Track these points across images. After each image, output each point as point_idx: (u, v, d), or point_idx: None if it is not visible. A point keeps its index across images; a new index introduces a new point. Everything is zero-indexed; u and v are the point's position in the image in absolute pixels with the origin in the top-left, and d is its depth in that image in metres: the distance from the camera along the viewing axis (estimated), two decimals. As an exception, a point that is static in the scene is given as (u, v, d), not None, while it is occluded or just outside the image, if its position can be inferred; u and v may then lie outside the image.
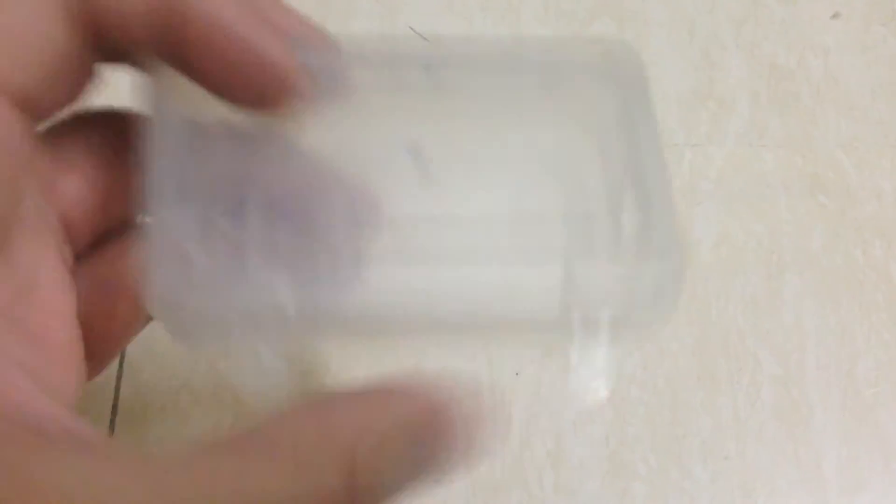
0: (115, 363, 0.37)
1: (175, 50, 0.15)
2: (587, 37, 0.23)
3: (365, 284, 0.18)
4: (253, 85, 0.15)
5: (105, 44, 0.15)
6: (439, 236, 0.19)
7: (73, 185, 0.17)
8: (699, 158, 0.43)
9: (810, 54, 0.46)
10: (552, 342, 0.23)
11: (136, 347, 0.38)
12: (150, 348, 0.38)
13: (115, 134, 0.18)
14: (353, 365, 0.35)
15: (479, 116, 0.22)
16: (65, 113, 0.17)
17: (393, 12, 0.44)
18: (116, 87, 0.18)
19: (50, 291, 0.16)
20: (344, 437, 0.13)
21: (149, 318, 0.20)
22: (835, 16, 0.47)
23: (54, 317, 0.16)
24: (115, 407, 0.36)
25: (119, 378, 0.37)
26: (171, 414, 0.37)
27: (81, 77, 0.16)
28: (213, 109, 0.17)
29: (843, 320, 0.40)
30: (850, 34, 0.47)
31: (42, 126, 0.17)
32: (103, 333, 0.18)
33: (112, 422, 0.36)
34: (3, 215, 0.14)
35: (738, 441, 0.37)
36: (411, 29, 0.36)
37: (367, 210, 0.18)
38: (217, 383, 0.37)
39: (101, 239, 0.19)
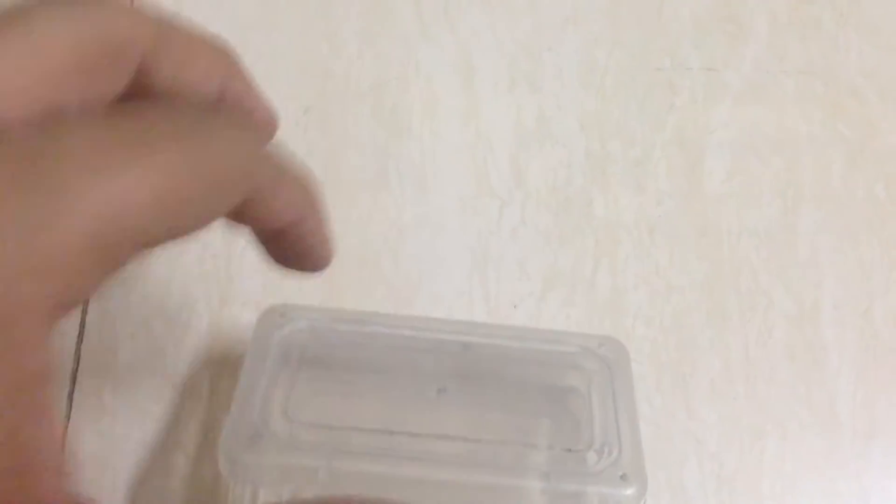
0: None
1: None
2: (588, 334, 0.33)
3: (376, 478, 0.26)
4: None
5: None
6: (441, 445, 0.28)
7: None
8: (714, 84, 0.40)
9: (834, -24, 0.43)
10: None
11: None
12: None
13: None
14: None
15: (497, 371, 0.31)
16: None
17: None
18: None
19: None
20: None
21: None
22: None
23: None
24: (80, 335, 0.34)
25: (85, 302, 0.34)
26: (142, 342, 0.34)
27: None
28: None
29: (862, 257, 0.38)
30: (877, -44, 0.44)
31: None
32: None
33: (78, 349, 0.33)
34: None
35: (748, 382, 0.35)
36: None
37: None
38: (191, 311, 0.35)
39: None
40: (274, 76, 0.40)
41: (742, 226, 0.38)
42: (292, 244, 0.19)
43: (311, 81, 0.40)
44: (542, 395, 0.31)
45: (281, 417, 0.27)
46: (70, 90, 0.15)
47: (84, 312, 0.34)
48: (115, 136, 0.14)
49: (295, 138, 0.39)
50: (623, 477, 0.27)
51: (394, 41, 0.41)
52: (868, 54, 0.41)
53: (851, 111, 0.40)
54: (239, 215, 0.17)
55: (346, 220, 0.37)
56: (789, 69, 0.41)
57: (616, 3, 0.42)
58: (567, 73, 0.41)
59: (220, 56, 0.19)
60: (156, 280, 0.35)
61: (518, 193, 0.38)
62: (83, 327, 0.34)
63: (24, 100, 0.14)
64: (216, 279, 0.35)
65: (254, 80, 0.20)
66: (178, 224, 0.15)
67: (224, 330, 0.34)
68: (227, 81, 0.19)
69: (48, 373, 0.13)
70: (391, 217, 0.37)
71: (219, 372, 0.34)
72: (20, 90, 0.14)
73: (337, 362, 0.31)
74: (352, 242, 0.36)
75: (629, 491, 0.27)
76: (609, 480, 0.27)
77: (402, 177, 0.38)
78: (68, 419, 0.32)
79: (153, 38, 0.17)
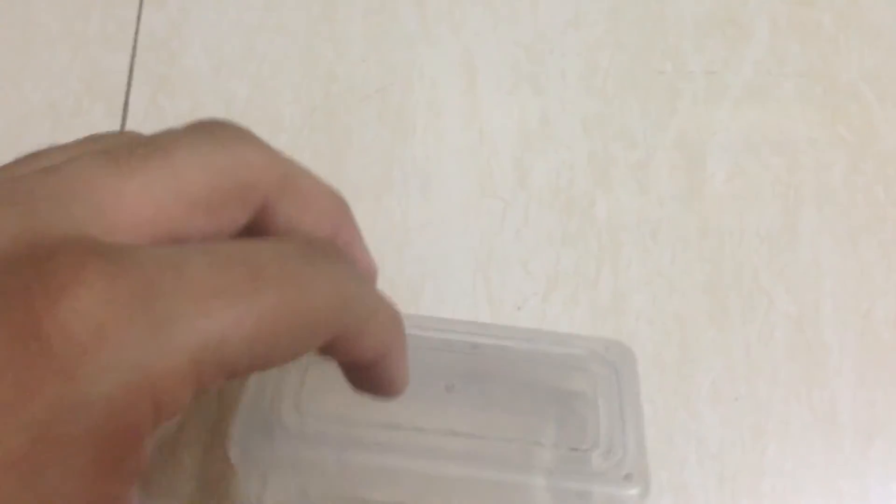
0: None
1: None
2: (596, 337, 0.33)
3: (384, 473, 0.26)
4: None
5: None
6: (448, 441, 0.28)
7: None
8: (715, 86, 0.41)
9: (835, -21, 0.43)
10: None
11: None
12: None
13: None
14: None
15: (504, 371, 0.32)
16: None
17: None
18: None
19: None
20: None
21: None
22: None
23: None
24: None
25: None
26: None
27: None
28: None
29: (862, 258, 0.38)
30: (878, -41, 0.44)
31: None
32: None
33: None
34: None
35: (749, 382, 0.36)
36: None
37: None
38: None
39: None
40: (279, 79, 0.40)
41: (743, 227, 0.38)
42: (373, 376, 0.20)
43: (316, 84, 0.40)
44: (549, 396, 0.32)
45: (293, 410, 0.27)
46: (198, 222, 0.16)
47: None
48: (228, 275, 0.15)
49: (300, 140, 0.39)
50: (627, 477, 0.27)
51: (398, 44, 0.41)
52: (868, 57, 0.42)
53: (852, 114, 0.41)
54: (326, 349, 0.18)
55: (350, 222, 0.38)
56: (790, 72, 0.41)
57: (618, 6, 0.42)
58: (570, 76, 0.41)
59: (336, 204, 0.20)
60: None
61: (521, 195, 0.38)
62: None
63: (155, 228, 0.15)
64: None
65: (361, 233, 0.21)
66: (269, 358, 0.16)
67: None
68: (338, 229, 0.20)
69: (137, 481, 0.14)
70: (395, 218, 0.38)
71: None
72: (153, 218, 0.15)
73: None
74: (356, 243, 0.37)
75: (633, 491, 0.27)
76: (613, 480, 0.27)
77: (406, 178, 0.39)
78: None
79: (279, 180, 0.17)
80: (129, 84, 0.39)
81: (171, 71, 0.40)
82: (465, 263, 0.37)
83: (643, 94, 0.41)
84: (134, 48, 0.40)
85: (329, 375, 0.21)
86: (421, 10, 0.42)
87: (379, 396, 0.21)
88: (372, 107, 0.40)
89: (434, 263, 0.37)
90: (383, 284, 0.36)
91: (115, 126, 0.39)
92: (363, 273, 0.21)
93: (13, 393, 0.12)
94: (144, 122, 0.39)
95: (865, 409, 0.35)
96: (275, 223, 0.18)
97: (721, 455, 0.34)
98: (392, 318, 0.19)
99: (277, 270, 0.15)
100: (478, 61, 0.41)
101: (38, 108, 0.39)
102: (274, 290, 0.15)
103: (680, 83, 0.41)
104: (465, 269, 0.37)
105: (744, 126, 0.40)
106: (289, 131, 0.39)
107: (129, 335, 0.13)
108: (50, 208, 0.14)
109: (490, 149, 0.39)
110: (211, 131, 0.17)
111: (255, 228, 0.18)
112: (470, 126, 0.40)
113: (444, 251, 0.37)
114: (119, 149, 0.15)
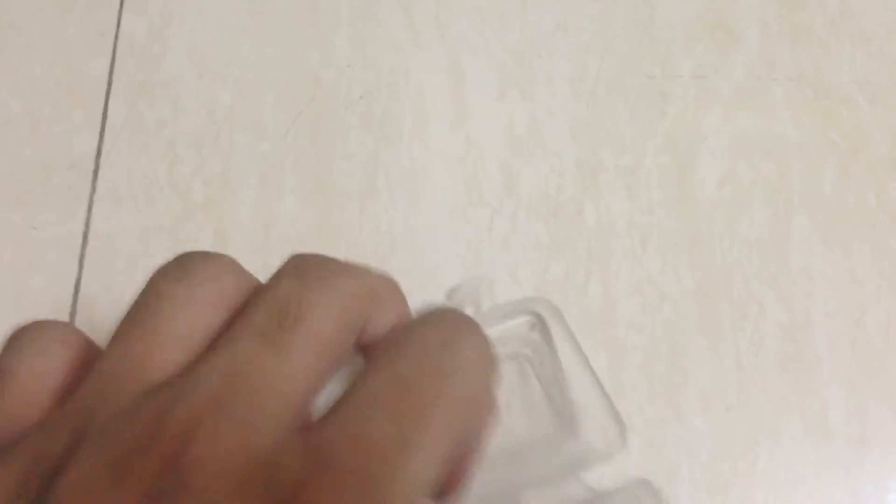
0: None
1: None
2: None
3: None
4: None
5: None
6: None
7: None
8: (705, 91, 0.40)
9: (825, -17, 0.43)
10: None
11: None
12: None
13: None
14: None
15: None
16: None
17: None
18: None
19: None
20: None
21: None
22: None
23: None
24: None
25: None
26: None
27: None
28: None
29: (854, 266, 0.37)
30: (868, -38, 0.44)
31: None
32: None
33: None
34: None
35: (740, 391, 0.35)
36: None
37: None
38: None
39: None
40: (263, 84, 0.40)
41: (734, 234, 0.38)
42: None
43: (301, 89, 0.40)
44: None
45: None
46: (334, 366, 0.17)
47: (72, 314, 0.34)
48: (403, 424, 0.15)
49: (284, 146, 0.39)
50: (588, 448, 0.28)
51: (384, 49, 0.41)
52: (859, 61, 0.41)
53: (843, 118, 0.40)
54: None
55: (335, 229, 0.37)
56: (780, 76, 0.41)
57: (607, 11, 0.42)
58: (558, 81, 0.40)
59: (399, 296, 0.21)
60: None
61: (509, 202, 0.38)
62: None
63: (317, 390, 0.17)
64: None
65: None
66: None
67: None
68: (404, 312, 0.21)
69: None
70: (381, 226, 0.37)
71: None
72: (314, 385, 0.17)
73: None
74: (341, 251, 0.36)
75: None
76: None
77: (391, 185, 0.38)
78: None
79: (370, 305, 0.19)
80: (108, 90, 0.39)
81: (152, 77, 0.39)
82: (452, 271, 0.36)
83: (632, 98, 0.40)
84: (113, 53, 0.39)
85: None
86: (407, 14, 0.41)
87: None
88: (357, 113, 0.39)
89: (420, 271, 0.36)
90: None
91: (93, 134, 0.38)
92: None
93: None
94: (124, 129, 0.38)
95: (857, 418, 0.35)
96: (370, 331, 0.19)
97: (712, 465, 0.34)
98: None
99: (433, 383, 0.16)
100: (465, 66, 0.40)
101: (16, 114, 0.38)
102: (439, 408, 0.16)
103: (669, 88, 0.40)
104: (453, 277, 0.36)
105: (734, 131, 0.40)
106: (272, 138, 0.39)
107: None
108: (252, 415, 0.15)
109: (477, 155, 0.39)
110: (319, 274, 0.18)
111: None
112: (457, 132, 0.39)
113: (431, 259, 0.37)
114: (268, 326, 0.16)
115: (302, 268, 0.18)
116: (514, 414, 0.33)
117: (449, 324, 0.18)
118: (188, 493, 0.14)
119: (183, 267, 0.18)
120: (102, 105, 0.39)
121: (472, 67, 0.40)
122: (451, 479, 0.19)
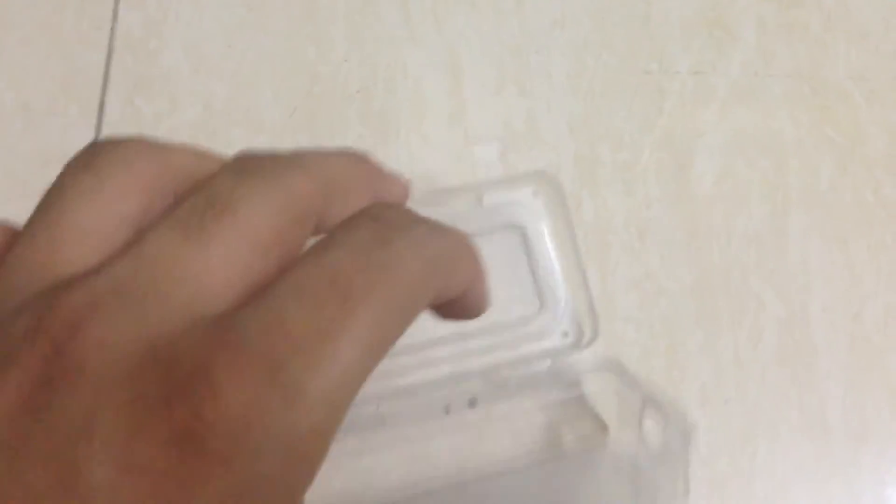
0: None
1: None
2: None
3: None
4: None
5: None
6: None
7: None
8: (702, 87, 0.40)
9: (821, -20, 0.43)
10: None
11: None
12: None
13: None
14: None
15: None
16: None
17: None
18: None
19: None
20: None
21: None
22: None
23: None
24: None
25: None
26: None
27: None
28: None
29: (851, 261, 0.37)
30: (864, -40, 0.44)
31: None
32: None
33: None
34: None
35: (738, 385, 0.35)
36: None
37: None
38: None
39: None
40: (261, 78, 0.39)
41: (731, 229, 0.38)
42: (460, 305, 0.20)
43: (298, 84, 0.39)
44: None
45: None
46: (273, 261, 0.16)
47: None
48: (323, 311, 0.15)
49: (281, 141, 0.38)
50: (565, 333, 0.30)
51: (381, 43, 0.40)
52: (856, 57, 0.42)
53: (839, 114, 0.40)
54: None
55: (333, 224, 0.37)
56: (777, 72, 0.41)
57: (604, 6, 0.42)
58: (555, 76, 0.40)
59: (360, 168, 0.20)
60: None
61: (507, 197, 0.38)
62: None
63: (244, 282, 0.16)
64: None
65: (380, 163, 0.20)
66: (383, 356, 0.16)
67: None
68: (373, 186, 0.20)
69: None
70: (379, 221, 0.37)
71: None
72: (240, 276, 0.16)
73: None
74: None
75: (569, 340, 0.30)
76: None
77: (389, 180, 0.38)
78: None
79: (325, 194, 0.18)
80: (104, 84, 0.39)
81: (149, 71, 0.39)
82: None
83: (630, 94, 0.40)
84: (110, 47, 0.39)
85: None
86: (405, 9, 0.41)
87: (462, 319, 0.21)
88: (354, 107, 0.39)
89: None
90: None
91: (89, 128, 0.38)
92: (401, 197, 0.21)
93: (180, 493, 0.13)
94: (120, 124, 0.38)
95: (855, 412, 0.35)
96: (324, 228, 0.18)
97: (711, 459, 0.34)
98: (466, 248, 0.19)
99: (363, 278, 0.15)
100: (462, 61, 0.40)
101: (11, 107, 0.38)
102: (368, 303, 0.15)
103: (667, 84, 0.40)
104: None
105: (731, 127, 0.40)
106: (269, 132, 0.38)
107: (269, 415, 0.14)
108: (157, 302, 0.15)
109: (475, 150, 0.39)
110: (259, 170, 0.17)
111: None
112: (454, 127, 0.39)
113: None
114: (190, 218, 0.16)
115: (242, 162, 0.17)
116: (501, 285, 0.33)
117: (389, 218, 0.17)
118: (79, 378, 0.13)
119: (92, 154, 0.17)
120: (99, 99, 0.38)
121: (469, 62, 0.40)
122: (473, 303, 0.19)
